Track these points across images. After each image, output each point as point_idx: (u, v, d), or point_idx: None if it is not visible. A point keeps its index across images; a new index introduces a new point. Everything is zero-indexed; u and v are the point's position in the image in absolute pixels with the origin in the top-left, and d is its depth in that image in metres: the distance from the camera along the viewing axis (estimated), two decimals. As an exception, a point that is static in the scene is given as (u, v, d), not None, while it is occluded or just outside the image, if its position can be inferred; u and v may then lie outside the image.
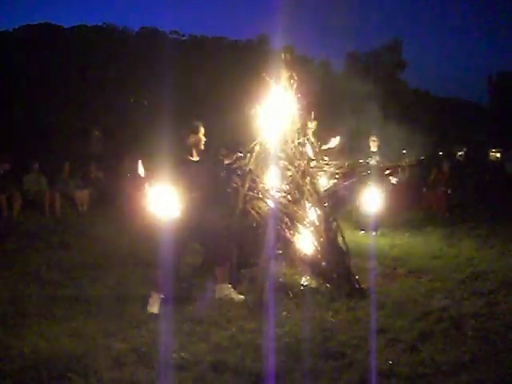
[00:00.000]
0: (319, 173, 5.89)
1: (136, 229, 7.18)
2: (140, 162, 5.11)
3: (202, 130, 5.09)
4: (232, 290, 5.05)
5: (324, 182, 5.98)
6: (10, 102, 18.75)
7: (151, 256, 5.50)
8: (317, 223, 5.29)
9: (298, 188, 5.41)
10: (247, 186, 5.44)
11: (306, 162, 5.52)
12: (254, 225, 5.47)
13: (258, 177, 5.51)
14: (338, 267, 5.16)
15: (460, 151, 18.20)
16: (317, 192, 5.45)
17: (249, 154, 5.57)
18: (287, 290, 5.02)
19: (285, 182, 5.54)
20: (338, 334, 4.05)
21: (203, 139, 5.09)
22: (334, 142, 6.12)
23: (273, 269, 5.04)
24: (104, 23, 29.59)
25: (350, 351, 3.70)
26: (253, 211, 5.44)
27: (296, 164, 5.46)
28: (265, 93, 5.62)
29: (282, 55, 5.76)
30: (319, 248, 5.22)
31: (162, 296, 4.74)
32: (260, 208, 5.45)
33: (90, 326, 4.23)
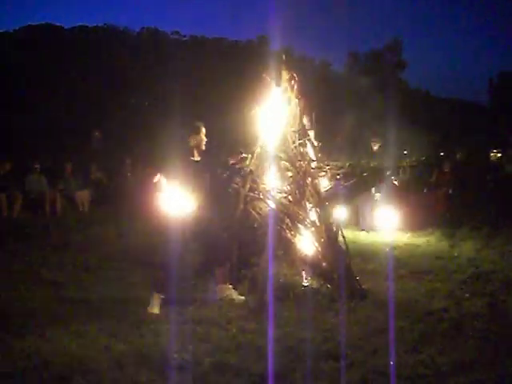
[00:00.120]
0: (320, 173, 5.90)
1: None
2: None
3: (203, 131, 5.10)
4: (232, 290, 5.05)
5: (325, 183, 5.98)
6: (10, 102, 18.78)
7: (152, 257, 5.51)
8: (317, 224, 5.29)
9: (299, 189, 5.40)
10: (248, 186, 5.44)
11: (306, 162, 5.52)
12: (255, 225, 5.47)
13: (258, 177, 5.51)
14: (339, 268, 5.16)
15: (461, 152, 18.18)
16: (318, 193, 5.45)
17: (250, 155, 5.58)
18: (288, 290, 5.02)
19: (286, 183, 5.54)
20: (339, 334, 4.04)
21: (204, 140, 5.10)
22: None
23: (273, 269, 5.04)
24: (105, 24, 29.66)
25: (351, 352, 3.69)
26: (254, 212, 5.44)
27: (297, 165, 5.46)
28: (265, 93, 5.62)
29: (283, 56, 5.77)
30: (320, 248, 5.22)
31: (163, 296, 4.74)
32: (261, 209, 5.45)
33: (90, 326, 4.23)
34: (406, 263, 6.49)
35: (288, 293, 4.97)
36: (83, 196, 11.27)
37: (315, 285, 5.24)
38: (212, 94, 20.60)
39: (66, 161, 11.82)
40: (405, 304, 4.77)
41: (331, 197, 5.93)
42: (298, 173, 5.42)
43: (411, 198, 9.71)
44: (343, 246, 5.34)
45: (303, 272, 5.32)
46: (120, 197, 10.39)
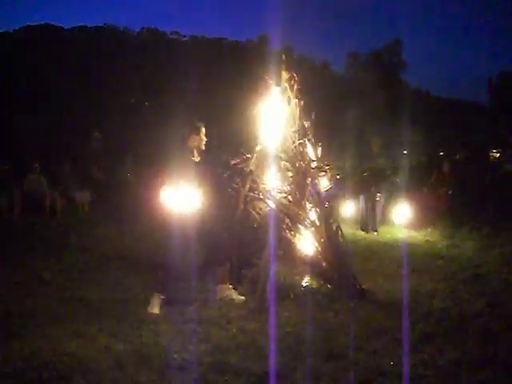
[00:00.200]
0: (320, 173, 5.89)
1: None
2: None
3: (203, 131, 5.10)
4: (233, 290, 5.05)
5: (325, 183, 5.98)
6: (10, 102, 18.78)
7: (152, 257, 5.50)
8: (317, 224, 5.29)
9: (299, 189, 5.40)
10: (248, 186, 5.44)
11: (306, 162, 5.52)
12: (255, 225, 5.46)
13: (258, 177, 5.51)
14: (339, 268, 5.16)
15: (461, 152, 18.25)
16: (317, 193, 5.45)
17: (250, 155, 5.57)
18: (288, 290, 5.02)
19: (286, 183, 5.53)
20: (339, 334, 4.05)
21: (204, 140, 5.09)
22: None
23: (273, 269, 5.03)
24: (105, 24, 29.70)
25: (351, 352, 3.69)
26: (254, 212, 5.44)
27: (297, 165, 5.46)
28: (265, 93, 5.62)
29: (283, 55, 5.76)
30: (320, 248, 5.22)
31: (163, 296, 4.74)
32: (261, 209, 5.45)
33: (91, 326, 4.22)
34: (406, 263, 6.48)
35: (288, 293, 4.97)
36: (83, 196, 11.26)
37: (315, 285, 5.24)
38: (212, 93, 20.60)
39: (66, 161, 11.82)
40: (405, 304, 4.77)
41: (331, 197, 5.93)
42: (298, 173, 5.42)
43: (411, 197, 9.72)
44: (343, 246, 5.34)
45: (303, 272, 5.32)
46: (120, 197, 10.37)
